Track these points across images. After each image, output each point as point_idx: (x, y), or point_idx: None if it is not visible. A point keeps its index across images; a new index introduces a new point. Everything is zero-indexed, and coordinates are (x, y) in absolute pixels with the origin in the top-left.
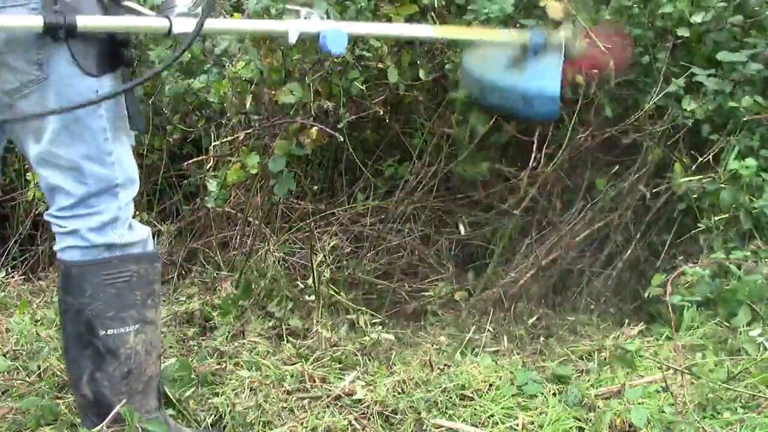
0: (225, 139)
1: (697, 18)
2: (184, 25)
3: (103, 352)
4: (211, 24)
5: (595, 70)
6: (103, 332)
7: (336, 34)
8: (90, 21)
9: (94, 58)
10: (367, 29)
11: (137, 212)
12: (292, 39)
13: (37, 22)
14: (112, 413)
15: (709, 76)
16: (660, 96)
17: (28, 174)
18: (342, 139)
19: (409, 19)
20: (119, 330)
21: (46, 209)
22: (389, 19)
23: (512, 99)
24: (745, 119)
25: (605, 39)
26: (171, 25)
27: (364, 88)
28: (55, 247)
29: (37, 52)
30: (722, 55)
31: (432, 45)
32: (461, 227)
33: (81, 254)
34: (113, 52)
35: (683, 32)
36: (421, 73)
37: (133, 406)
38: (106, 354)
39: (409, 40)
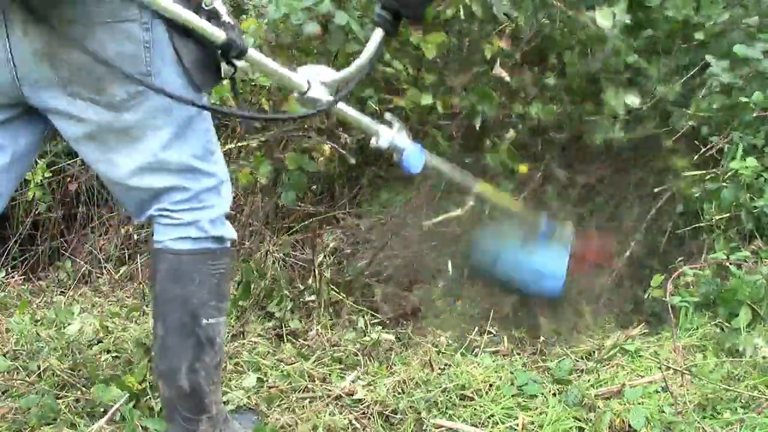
0: (235, 144)
1: (716, 17)
2: (318, 92)
3: (203, 341)
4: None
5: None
6: (206, 321)
7: (417, 154)
8: (255, 54)
9: (201, 73)
10: (438, 164)
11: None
12: (382, 143)
13: (219, 34)
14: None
15: (723, 70)
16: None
17: (28, 174)
18: (353, 161)
19: (439, 47)
20: (217, 319)
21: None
22: (417, 48)
23: (524, 272)
24: (754, 115)
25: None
26: (309, 87)
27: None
28: (159, 238)
29: (147, 65)
30: (738, 49)
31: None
32: (449, 267)
33: (193, 244)
34: (216, 68)
35: (699, 35)
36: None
37: (216, 395)
38: (206, 343)
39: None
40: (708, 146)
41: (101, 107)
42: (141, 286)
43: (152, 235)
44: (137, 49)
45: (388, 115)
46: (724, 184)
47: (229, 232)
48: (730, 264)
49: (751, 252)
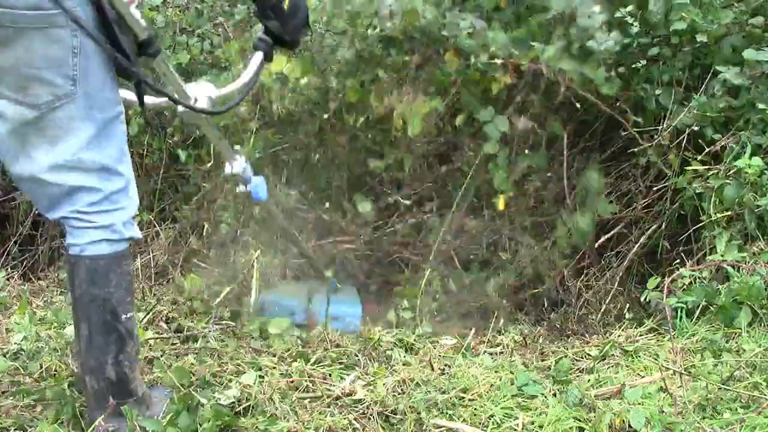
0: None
1: (719, 19)
2: (202, 104)
3: (124, 335)
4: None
5: None
6: (125, 316)
7: (263, 184)
8: (161, 59)
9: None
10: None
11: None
12: (237, 170)
13: (145, 29)
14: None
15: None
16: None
17: None
18: None
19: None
20: (131, 313)
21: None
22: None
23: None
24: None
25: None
26: (196, 100)
27: None
28: (74, 242)
29: (73, 69)
30: (748, 53)
31: None
32: None
33: (109, 246)
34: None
35: (702, 38)
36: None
37: (138, 379)
38: (126, 336)
39: None
40: (712, 145)
41: (24, 107)
42: (141, 285)
43: (65, 239)
44: (65, 54)
45: (237, 147)
46: (727, 181)
47: (137, 232)
48: (728, 266)
49: (752, 253)
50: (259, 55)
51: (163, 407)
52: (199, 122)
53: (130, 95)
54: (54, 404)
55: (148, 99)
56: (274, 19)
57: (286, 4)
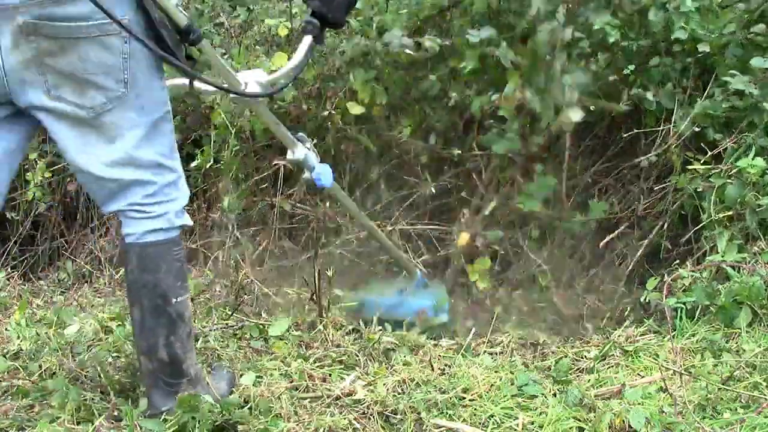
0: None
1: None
2: (252, 89)
3: (174, 318)
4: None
5: None
6: (175, 300)
7: (328, 171)
8: (207, 45)
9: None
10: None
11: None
12: (299, 156)
13: (183, 18)
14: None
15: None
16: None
17: (28, 174)
18: None
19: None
20: (183, 296)
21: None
22: None
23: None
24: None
25: None
26: (246, 86)
27: None
28: (131, 231)
29: (124, 73)
30: (756, 62)
31: None
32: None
33: (163, 235)
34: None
35: (704, 47)
36: None
37: (192, 360)
38: (177, 319)
39: None
40: (713, 145)
41: (82, 109)
42: None
43: (121, 229)
44: (116, 59)
45: (300, 134)
46: (729, 181)
47: (188, 220)
48: (728, 266)
49: (753, 253)
50: (308, 39)
51: (227, 386)
52: (255, 108)
53: (181, 80)
54: (53, 403)
55: (198, 84)
56: (318, 1)
57: None
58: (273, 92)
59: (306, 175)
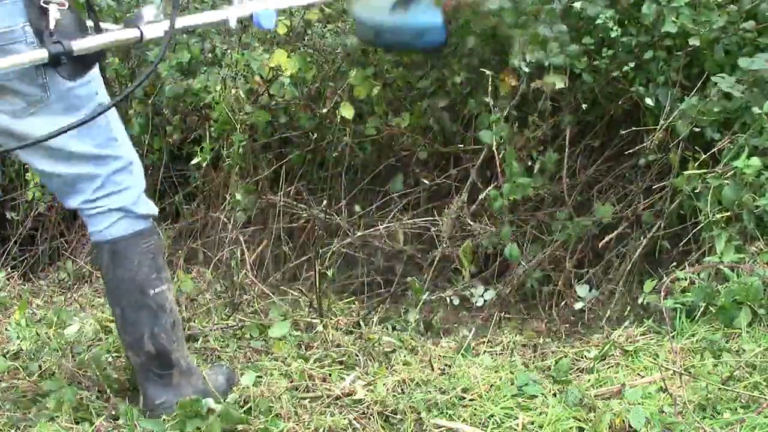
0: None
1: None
2: (153, 31)
3: (155, 309)
4: (169, 24)
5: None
6: (153, 291)
7: (266, 12)
8: (82, 44)
9: (72, 64)
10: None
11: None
12: (232, 24)
13: (41, 54)
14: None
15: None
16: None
17: (28, 174)
18: None
19: None
20: (161, 287)
21: (46, 206)
22: None
23: (405, 34)
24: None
25: None
26: (142, 33)
27: None
28: (94, 229)
29: (42, 76)
30: (743, 62)
31: None
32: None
33: (128, 225)
34: (84, 62)
35: (694, 41)
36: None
37: (181, 351)
38: (158, 310)
39: None
40: (712, 146)
41: (5, 114)
42: None
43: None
44: (29, 66)
45: None
46: (726, 182)
47: (152, 208)
48: (725, 267)
49: (751, 253)
50: None
51: (226, 381)
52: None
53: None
54: (48, 404)
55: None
56: None
57: None
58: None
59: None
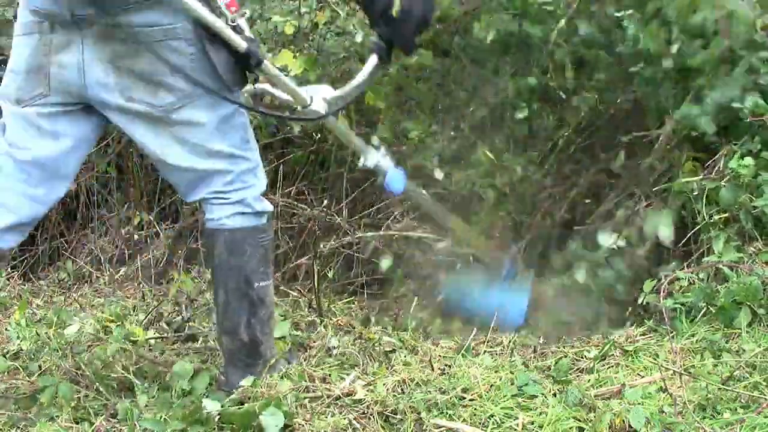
0: None
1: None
2: (317, 106)
3: (256, 301)
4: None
5: None
6: (257, 284)
7: (399, 177)
8: (268, 66)
9: (231, 75)
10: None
11: (137, 212)
12: (370, 164)
13: (240, 43)
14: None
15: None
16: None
17: None
18: None
19: None
20: (266, 282)
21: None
22: None
23: (489, 309)
24: (746, 120)
25: None
26: (311, 101)
27: None
28: (212, 217)
29: (194, 73)
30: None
31: None
32: None
33: (244, 220)
34: (242, 73)
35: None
36: None
37: (269, 343)
38: (258, 302)
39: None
40: (710, 148)
41: (154, 108)
42: (141, 286)
43: (204, 217)
44: (184, 60)
45: (374, 139)
46: (723, 183)
47: (268, 206)
48: (724, 266)
49: (750, 254)
50: (373, 58)
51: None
52: (325, 123)
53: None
54: (42, 399)
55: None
56: (384, 26)
57: (395, 11)
58: (333, 112)
59: (379, 180)
